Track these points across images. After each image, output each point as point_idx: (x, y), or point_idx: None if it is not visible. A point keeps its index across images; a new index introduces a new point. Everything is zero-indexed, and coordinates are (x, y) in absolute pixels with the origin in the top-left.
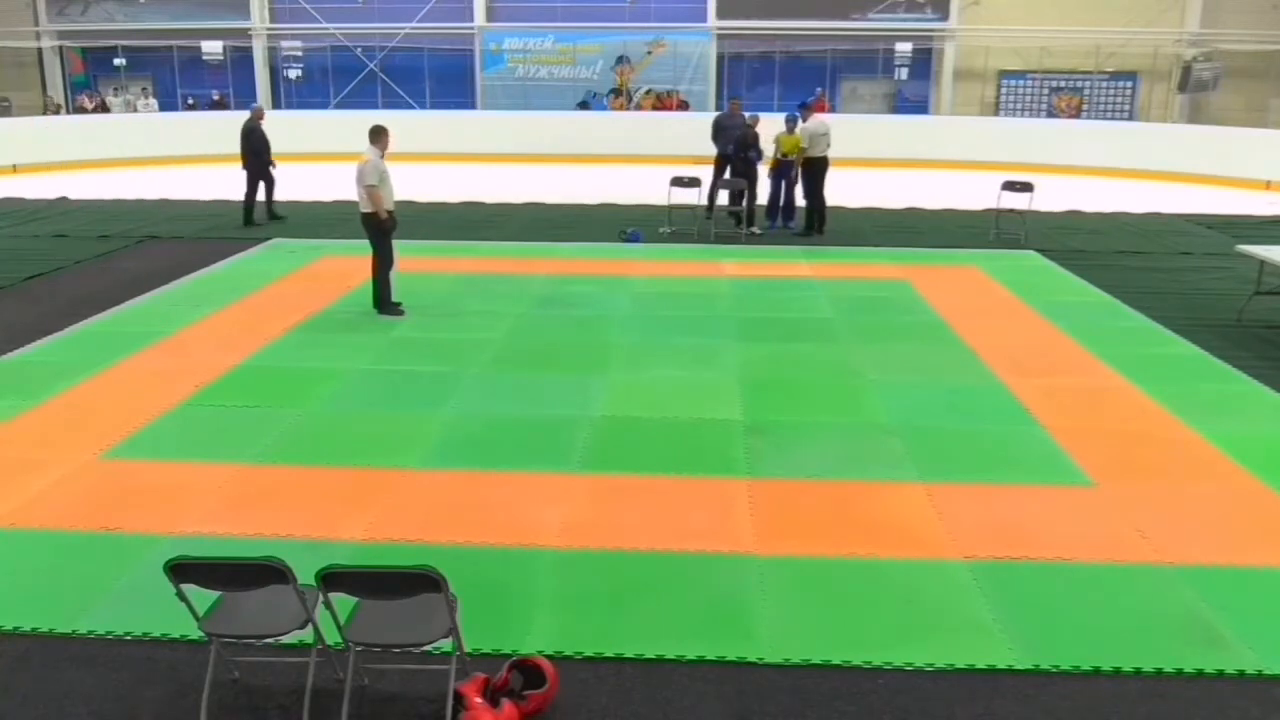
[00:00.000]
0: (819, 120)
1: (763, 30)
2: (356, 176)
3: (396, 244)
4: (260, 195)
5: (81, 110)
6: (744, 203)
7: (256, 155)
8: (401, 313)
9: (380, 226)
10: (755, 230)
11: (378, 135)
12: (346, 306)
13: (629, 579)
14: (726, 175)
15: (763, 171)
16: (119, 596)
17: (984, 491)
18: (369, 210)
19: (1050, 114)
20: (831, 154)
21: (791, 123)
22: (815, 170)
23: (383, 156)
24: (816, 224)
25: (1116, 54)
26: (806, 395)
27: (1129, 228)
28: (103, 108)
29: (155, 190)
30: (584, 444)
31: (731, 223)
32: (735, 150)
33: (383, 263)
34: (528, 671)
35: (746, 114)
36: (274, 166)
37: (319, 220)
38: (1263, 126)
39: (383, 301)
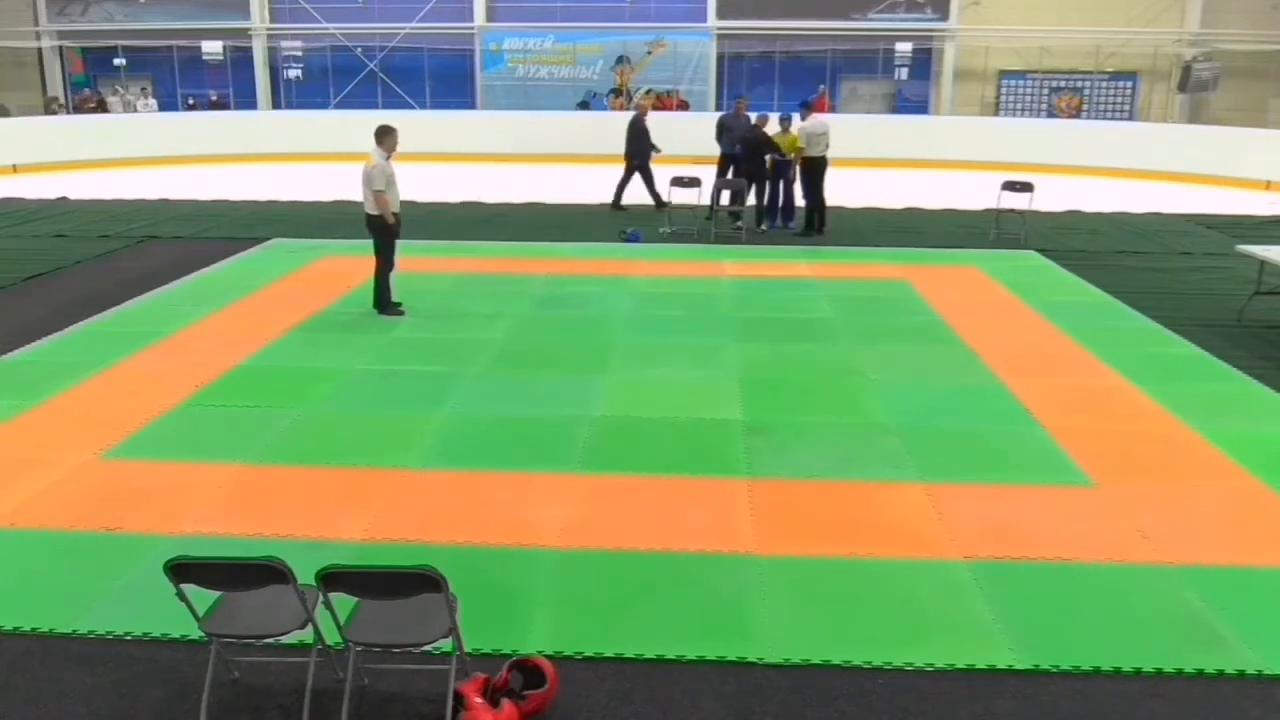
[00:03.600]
0: (818, 120)
1: (763, 30)
2: (363, 179)
3: (397, 244)
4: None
5: (85, 107)
6: (750, 200)
7: (639, 147)
8: (402, 313)
9: (386, 229)
10: (763, 228)
11: (384, 135)
12: (346, 306)
13: (629, 579)
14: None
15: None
16: (119, 596)
17: (984, 491)
18: (375, 212)
19: (1050, 114)
20: (831, 154)
21: (785, 122)
22: (814, 170)
23: (389, 157)
24: (816, 224)
25: (1116, 54)
26: (806, 395)
27: (1129, 228)
28: (101, 107)
29: (155, 190)
30: (584, 444)
31: (731, 222)
32: (744, 152)
33: (385, 263)
34: (528, 671)
35: (752, 114)
36: (658, 150)
37: (319, 220)
38: (1263, 126)
39: (383, 302)
